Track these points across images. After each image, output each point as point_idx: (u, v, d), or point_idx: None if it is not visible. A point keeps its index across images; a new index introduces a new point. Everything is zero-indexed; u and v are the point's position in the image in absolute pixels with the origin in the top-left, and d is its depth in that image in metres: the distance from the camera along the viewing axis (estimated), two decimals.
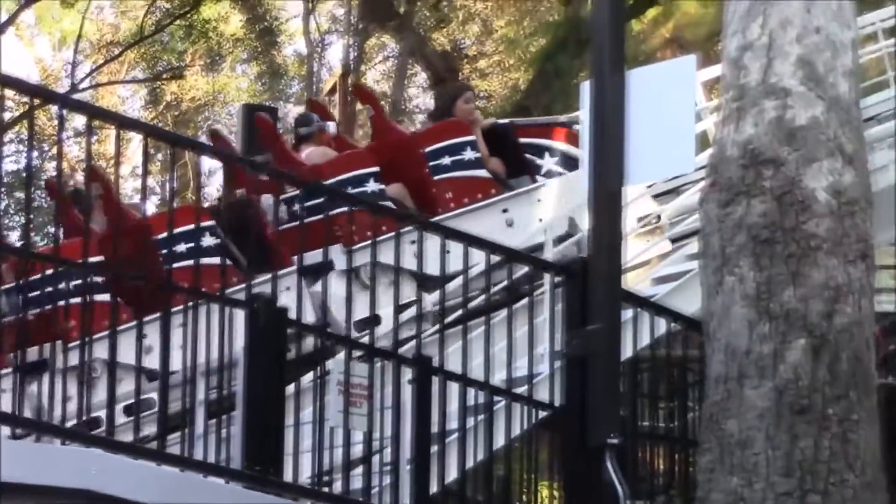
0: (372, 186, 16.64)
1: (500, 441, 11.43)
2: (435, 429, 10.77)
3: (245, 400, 10.26)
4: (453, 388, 11.06)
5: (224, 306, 10.49)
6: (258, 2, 37.92)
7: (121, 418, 11.77)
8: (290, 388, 11.12)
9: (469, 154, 16.97)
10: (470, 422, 11.22)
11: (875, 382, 9.20)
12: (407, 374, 10.83)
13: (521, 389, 11.71)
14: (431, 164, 16.92)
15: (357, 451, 10.85)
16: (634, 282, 15.43)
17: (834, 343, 8.84)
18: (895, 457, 10.82)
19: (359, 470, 10.97)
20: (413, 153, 17.22)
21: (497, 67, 39.68)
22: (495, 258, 11.85)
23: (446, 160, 16.94)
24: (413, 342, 11.96)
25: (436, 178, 16.92)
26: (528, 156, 18.02)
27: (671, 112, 10.19)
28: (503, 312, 11.84)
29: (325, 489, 10.77)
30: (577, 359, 10.23)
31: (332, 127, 18.88)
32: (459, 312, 12.18)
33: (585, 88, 10.61)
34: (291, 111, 39.75)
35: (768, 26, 9.31)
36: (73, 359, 10.54)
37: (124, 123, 11.53)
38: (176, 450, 10.36)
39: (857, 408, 8.85)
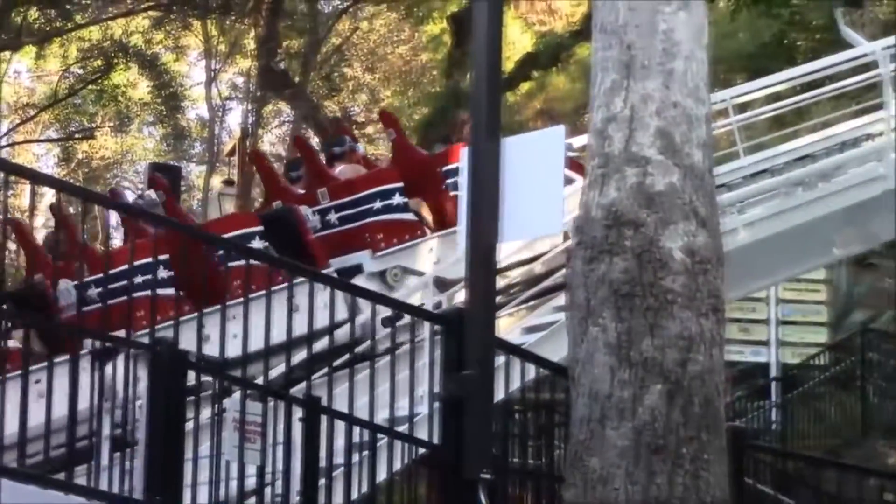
0: (398, 199, 17.21)
1: (382, 475, 11.46)
2: (323, 463, 10.77)
3: (147, 435, 10.22)
4: (340, 426, 11.07)
5: (129, 349, 10.49)
6: (164, 69, 37.73)
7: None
8: (190, 425, 11.09)
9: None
10: (355, 457, 11.22)
11: (724, 425, 9.27)
12: (297, 412, 10.81)
13: (403, 428, 11.75)
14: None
15: (251, 483, 10.83)
16: (506, 330, 15.46)
17: (687, 388, 8.90)
18: (741, 492, 10.93)
19: (252, 501, 10.93)
20: (432, 172, 17.45)
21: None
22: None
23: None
24: (304, 383, 11.94)
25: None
26: None
27: (541, 177, 10.26)
28: (387, 357, 11.89)
29: None
30: (454, 400, 10.28)
31: (360, 147, 19.26)
32: (346, 356, 12.17)
33: (464, 154, 10.68)
34: (194, 169, 39.67)
35: (630, 101, 9.38)
36: None
37: (38, 178, 11.51)
38: (83, 481, 10.33)
39: (707, 448, 8.90)
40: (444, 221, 17.28)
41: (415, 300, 15.71)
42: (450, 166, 17.52)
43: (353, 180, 17.51)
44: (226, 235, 16.36)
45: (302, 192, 17.95)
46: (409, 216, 17.14)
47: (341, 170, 18.19)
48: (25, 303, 15.98)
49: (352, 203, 16.94)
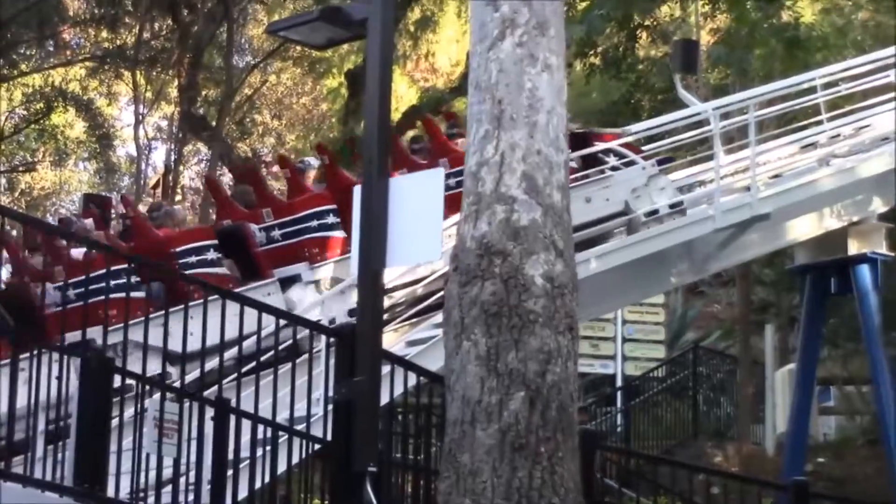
0: (331, 219, 17.53)
1: (282, 467, 11.40)
2: (231, 456, 10.70)
3: (77, 430, 10.13)
4: (246, 424, 11.01)
5: (62, 355, 10.42)
6: (98, 112, 37.42)
7: None
8: (115, 421, 10.99)
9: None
10: (259, 451, 11.15)
11: (577, 427, 9.29)
12: (209, 412, 10.74)
13: (301, 426, 11.69)
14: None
15: (167, 473, 10.75)
16: (392, 343, 15.44)
17: (546, 396, 8.90)
18: (590, 485, 10.96)
19: (168, 488, 10.83)
20: None
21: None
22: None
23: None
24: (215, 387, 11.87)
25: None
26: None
27: (423, 211, 10.26)
28: (288, 365, 11.83)
29: (140, 503, 10.62)
30: (345, 403, 10.26)
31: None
32: (253, 364, 12.09)
33: (357, 190, 10.67)
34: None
35: (500, 148, 9.39)
36: None
37: None
38: (19, 469, 10.25)
39: (562, 447, 8.92)
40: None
41: (336, 304, 16.02)
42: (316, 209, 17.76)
43: (293, 203, 17.74)
44: (187, 246, 16.73)
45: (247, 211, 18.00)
46: (341, 233, 17.22)
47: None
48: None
49: (292, 222, 17.09)
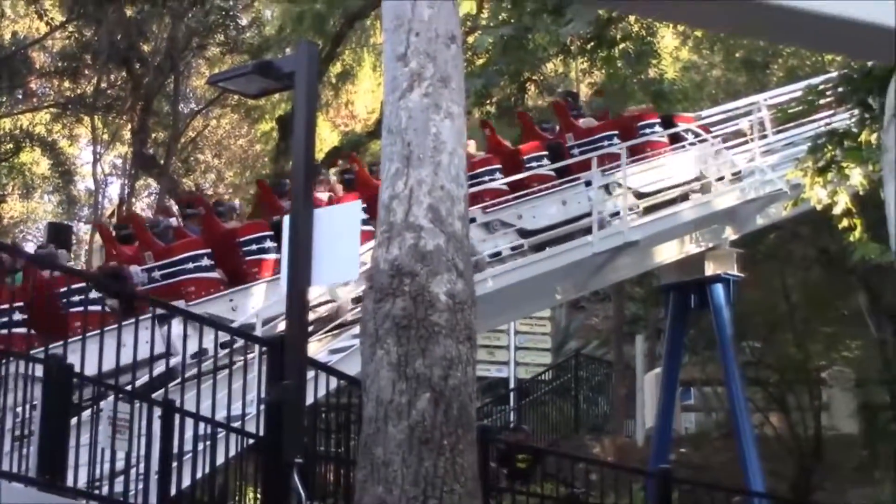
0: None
1: (220, 459, 11.30)
2: (176, 450, 10.62)
3: (40, 428, 10.01)
4: (189, 421, 10.92)
5: (28, 363, 10.31)
6: (60, 151, 37.03)
7: None
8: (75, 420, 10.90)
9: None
10: (200, 446, 11.07)
11: (475, 423, 9.30)
12: (157, 412, 10.66)
13: (237, 424, 11.62)
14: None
15: (120, 465, 10.64)
16: (316, 352, 15.39)
17: (448, 396, 8.90)
18: (486, 473, 10.96)
19: (120, 478, 10.72)
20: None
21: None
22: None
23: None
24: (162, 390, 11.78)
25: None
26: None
27: (342, 238, 10.26)
28: (226, 371, 11.79)
29: (97, 492, 10.50)
30: (275, 404, 10.20)
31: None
32: (195, 371, 12.00)
33: (286, 220, 10.64)
34: (82, 228, 39.09)
35: (409, 184, 9.39)
36: None
37: None
38: None
39: (462, 440, 8.91)
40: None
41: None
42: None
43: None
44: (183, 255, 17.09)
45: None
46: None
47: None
48: None
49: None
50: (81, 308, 15.26)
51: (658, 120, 21.51)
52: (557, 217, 19.52)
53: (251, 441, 11.36)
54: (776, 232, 24.82)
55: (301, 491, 9.66)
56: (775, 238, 25.65)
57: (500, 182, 19.43)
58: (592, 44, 21.74)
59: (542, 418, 29.26)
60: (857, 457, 24.91)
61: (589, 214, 19.48)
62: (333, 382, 12.15)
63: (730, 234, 21.50)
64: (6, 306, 14.19)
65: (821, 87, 17.03)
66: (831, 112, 18.63)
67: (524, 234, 19.29)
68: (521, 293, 18.86)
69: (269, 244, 17.43)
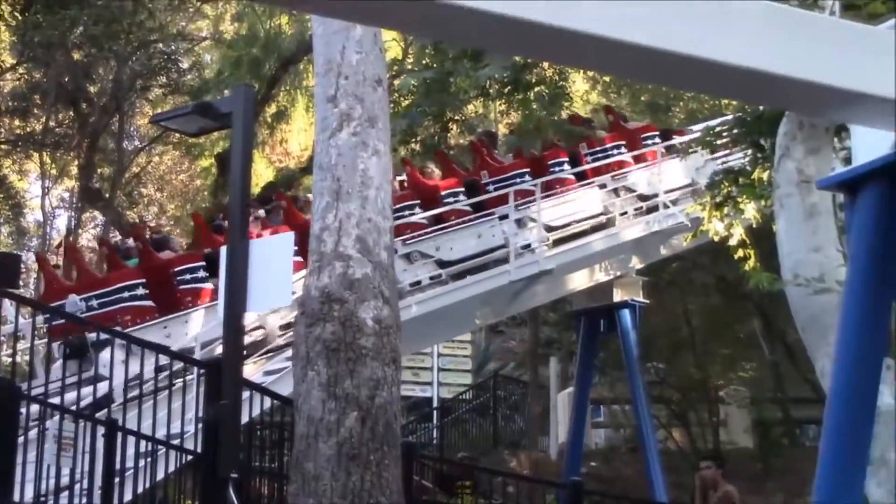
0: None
1: (160, 474, 11.21)
2: (118, 466, 10.52)
3: None
4: (131, 439, 10.83)
5: None
6: (10, 185, 36.60)
7: None
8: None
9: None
10: (142, 462, 10.98)
11: (399, 440, 9.31)
12: (101, 430, 10.55)
13: (176, 441, 11.53)
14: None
15: (65, 480, 10.52)
16: (251, 373, 15.31)
17: (375, 415, 8.92)
18: (410, 486, 10.94)
19: (65, 494, 10.59)
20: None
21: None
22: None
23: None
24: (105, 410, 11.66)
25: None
26: None
27: (276, 267, 10.22)
28: (166, 392, 11.70)
29: None
30: (212, 422, 10.13)
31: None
32: (136, 392, 11.90)
33: (223, 250, 10.59)
34: (31, 257, 38.59)
35: (339, 217, 9.43)
36: None
37: None
38: None
39: (388, 456, 8.93)
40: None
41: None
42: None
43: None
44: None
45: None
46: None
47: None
48: None
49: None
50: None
51: (567, 158, 21.61)
52: (473, 249, 19.54)
53: (189, 457, 11.28)
54: (678, 261, 25.04)
55: (235, 502, 9.60)
56: (677, 267, 25.88)
57: (419, 216, 19.43)
58: (509, 87, 21.92)
59: (463, 435, 29.25)
60: (751, 469, 25.10)
61: (502, 246, 19.57)
62: (268, 402, 12.10)
63: (636, 263, 21.69)
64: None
65: (718, 128, 17.24)
66: (727, 152, 18.87)
67: (442, 264, 19.30)
68: (444, 318, 18.90)
69: (202, 274, 17.34)
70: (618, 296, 21.33)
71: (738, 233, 14.95)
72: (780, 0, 10.23)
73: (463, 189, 20.36)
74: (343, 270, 9.24)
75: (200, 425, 10.88)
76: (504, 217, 19.92)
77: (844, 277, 5.32)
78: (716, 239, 15.25)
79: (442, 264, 19.36)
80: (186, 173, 41.87)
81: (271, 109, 33.65)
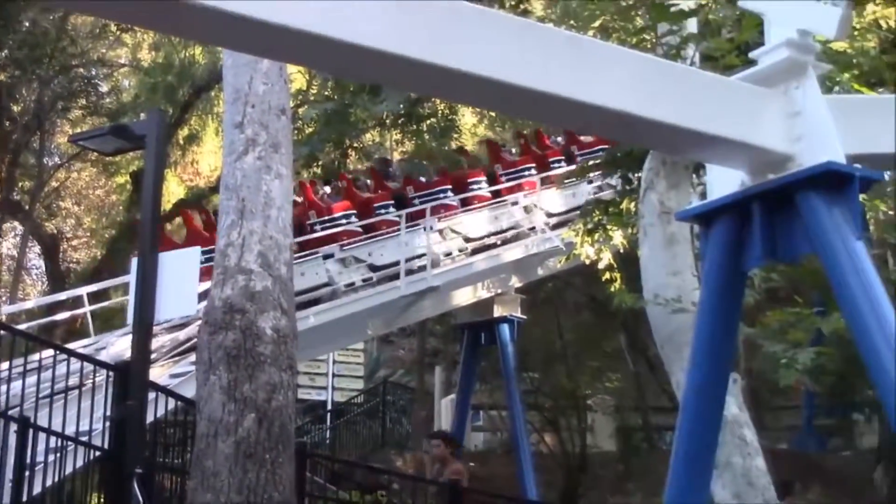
0: None
1: (69, 469, 10.97)
2: (29, 460, 10.28)
3: None
4: (42, 435, 10.58)
5: None
6: None
7: None
8: None
9: None
10: (52, 457, 10.74)
11: (293, 440, 9.26)
12: (13, 427, 10.31)
13: (85, 438, 11.30)
14: None
15: None
16: (159, 376, 15.08)
17: (271, 416, 8.86)
18: (303, 483, 10.87)
19: None
20: None
21: (84, 245, 38.50)
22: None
23: None
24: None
25: None
26: None
27: (183, 278, 10.13)
28: (76, 391, 11.49)
29: None
30: (120, 420, 9.96)
31: None
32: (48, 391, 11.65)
33: (134, 262, 10.45)
34: None
35: (242, 233, 9.37)
36: None
37: None
38: None
39: (282, 455, 8.87)
40: None
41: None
42: None
43: None
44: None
45: None
46: None
47: None
48: None
49: None
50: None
51: (484, 177, 21.95)
52: (400, 255, 19.65)
53: (97, 453, 11.06)
54: (553, 281, 25.26)
55: (140, 497, 9.45)
56: (552, 286, 26.11)
57: (355, 224, 19.92)
58: (404, 119, 21.97)
59: (354, 436, 29.09)
60: (614, 470, 25.41)
61: (424, 255, 19.95)
62: (172, 403, 11.93)
63: (515, 282, 21.84)
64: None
65: (591, 162, 17.44)
66: (599, 183, 19.10)
67: (374, 268, 19.52)
68: (339, 328, 18.87)
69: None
70: (498, 311, 21.47)
71: (606, 257, 15.13)
72: (647, 50, 10.42)
73: (392, 202, 20.61)
74: (245, 283, 9.17)
75: (108, 424, 10.67)
76: (424, 228, 20.25)
77: (698, 299, 5.41)
78: (587, 262, 15.42)
79: (373, 268, 19.53)
80: (103, 189, 41.19)
81: (184, 132, 33.32)
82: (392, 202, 20.71)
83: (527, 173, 22.91)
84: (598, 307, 25.50)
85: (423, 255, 19.92)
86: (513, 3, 15.47)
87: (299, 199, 19.25)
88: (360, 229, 19.91)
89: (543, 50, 4.42)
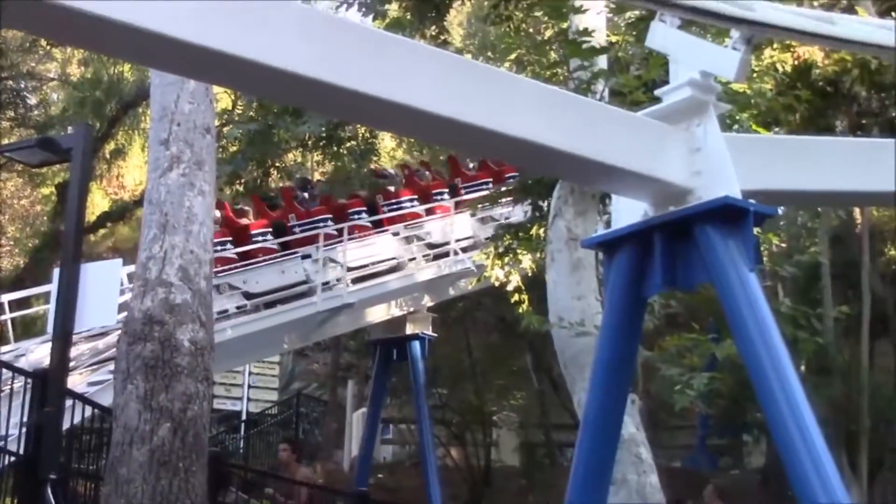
0: None
1: None
2: None
3: None
4: None
5: None
6: None
7: None
8: None
9: None
10: None
11: (207, 449, 9.14)
12: None
13: (1, 443, 11.04)
14: None
15: None
16: (77, 384, 14.79)
17: (186, 426, 8.76)
18: (215, 492, 10.72)
19: None
20: None
21: (8, 254, 37.75)
22: None
23: None
24: None
25: None
26: None
27: (104, 290, 9.98)
28: None
29: None
30: (37, 427, 9.75)
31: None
32: None
33: (57, 271, 10.27)
34: None
35: (164, 247, 9.26)
36: None
37: None
38: None
39: (195, 463, 8.77)
40: None
41: None
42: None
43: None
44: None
45: None
46: None
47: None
48: None
49: None
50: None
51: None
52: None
53: (12, 459, 10.80)
54: (464, 301, 25.32)
55: (53, 503, 9.25)
56: (463, 306, 26.17)
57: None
58: (325, 141, 21.90)
59: (267, 446, 28.83)
60: (517, 484, 25.49)
61: (304, 282, 19.63)
62: (89, 410, 11.71)
63: (427, 301, 21.85)
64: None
65: (503, 188, 17.56)
66: (510, 209, 19.22)
67: (248, 296, 19.11)
68: (256, 342, 18.73)
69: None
70: (410, 329, 21.45)
71: (515, 280, 15.22)
72: (559, 84, 10.50)
73: (271, 229, 20.27)
74: (165, 296, 9.06)
75: (25, 430, 10.43)
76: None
77: (601, 323, 5.46)
78: (497, 284, 15.49)
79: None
80: (28, 199, 40.45)
81: (110, 146, 32.90)
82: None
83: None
84: (507, 327, 25.62)
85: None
86: (433, 33, 15.50)
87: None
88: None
89: (461, 81, 4.44)
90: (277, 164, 25.82)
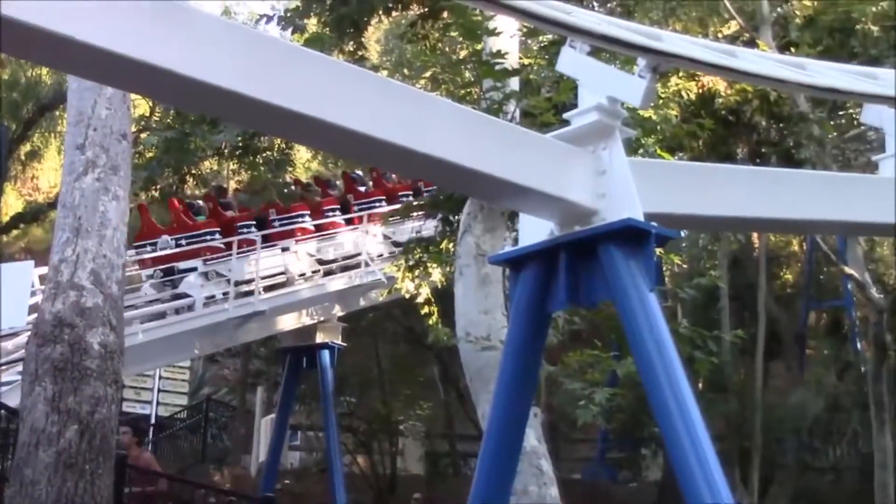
0: None
1: None
2: None
3: None
4: None
5: None
6: None
7: None
8: None
9: None
10: None
11: (114, 452, 9.00)
12: None
13: None
14: None
15: None
16: None
17: (93, 428, 8.61)
18: (121, 494, 10.53)
19: None
20: None
21: None
22: None
23: None
24: None
25: None
26: None
27: (15, 291, 9.79)
28: None
29: None
30: None
31: None
32: None
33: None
34: None
35: (77, 251, 9.11)
36: None
37: None
38: None
39: (102, 466, 8.64)
40: None
41: None
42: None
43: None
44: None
45: None
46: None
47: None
48: None
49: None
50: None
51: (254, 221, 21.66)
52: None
53: None
54: (374, 312, 25.26)
55: None
56: (373, 316, 26.10)
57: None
58: (241, 150, 21.76)
59: (176, 449, 28.44)
60: (421, 492, 25.45)
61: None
62: None
63: (338, 310, 21.78)
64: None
65: (415, 203, 17.57)
66: (421, 223, 19.25)
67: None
68: (167, 346, 18.50)
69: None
70: (320, 337, 21.36)
71: (425, 292, 15.23)
72: (472, 103, 10.53)
73: (254, 222, 20.74)
74: (76, 299, 8.90)
75: None
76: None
77: (506, 337, 5.50)
78: (407, 296, 15.49)
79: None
80: None
81: (26, 148, 32.30)
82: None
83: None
84: (415, 338, 25.62)
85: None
86: (351, 49, 15.47)
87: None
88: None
89: (378, 98, 4.45)
90: (193, 172, 25.54)
